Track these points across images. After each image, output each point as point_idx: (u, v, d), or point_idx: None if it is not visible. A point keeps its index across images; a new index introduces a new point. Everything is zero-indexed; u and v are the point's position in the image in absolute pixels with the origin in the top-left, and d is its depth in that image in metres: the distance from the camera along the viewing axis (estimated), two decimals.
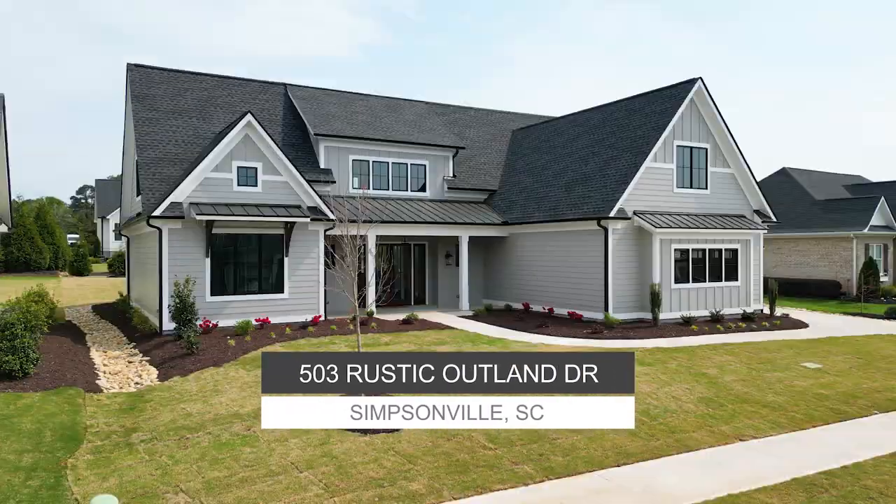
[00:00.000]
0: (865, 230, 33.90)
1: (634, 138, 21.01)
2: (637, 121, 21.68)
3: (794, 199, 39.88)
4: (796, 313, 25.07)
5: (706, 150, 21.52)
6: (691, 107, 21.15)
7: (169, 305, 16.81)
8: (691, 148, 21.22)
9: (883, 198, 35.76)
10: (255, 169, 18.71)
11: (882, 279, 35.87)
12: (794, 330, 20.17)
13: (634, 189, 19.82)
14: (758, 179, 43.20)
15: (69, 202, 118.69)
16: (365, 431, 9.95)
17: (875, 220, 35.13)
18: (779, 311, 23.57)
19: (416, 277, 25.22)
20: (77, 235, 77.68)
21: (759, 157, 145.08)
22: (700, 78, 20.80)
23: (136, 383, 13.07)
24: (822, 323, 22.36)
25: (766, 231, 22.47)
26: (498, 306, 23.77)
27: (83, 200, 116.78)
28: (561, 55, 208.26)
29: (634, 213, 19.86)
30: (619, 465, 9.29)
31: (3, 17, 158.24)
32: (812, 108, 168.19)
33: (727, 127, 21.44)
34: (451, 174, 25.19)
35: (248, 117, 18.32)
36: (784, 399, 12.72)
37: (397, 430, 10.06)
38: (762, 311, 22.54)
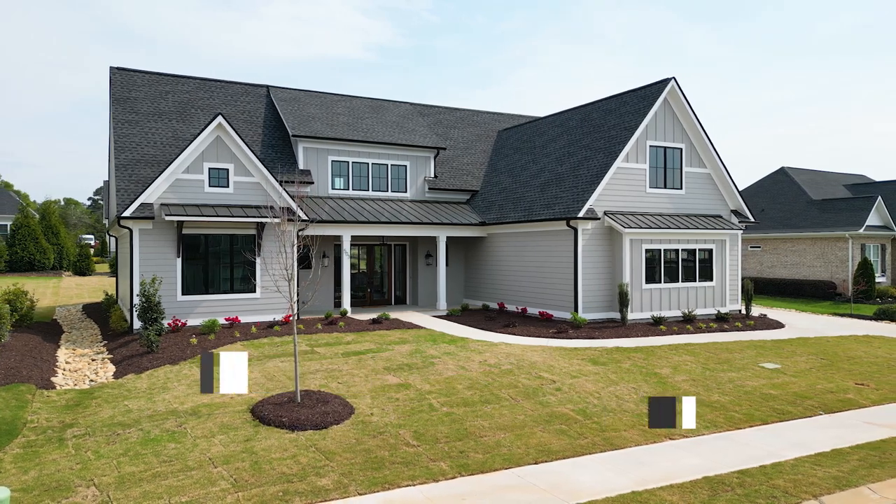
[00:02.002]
0: (861, 230, 33.55)
1: (608, 139, 21.02)
2: (612, 121, 21.69)
3: (791, 199, 39.58)
4: (782, 314, 24.92)
5: (681, 150, 21.46)
6: (665, 107, 21.11)
7: (135, 304, 17.13)
8: (665, 148, 21.18)
9: (880, 197, 35.35)
10: (227, 170, 18.99)
11: (879, 280, 35.48)
12: (767, 330, 20.06)
13: (605, 189, 19.84)
14: (757, 179, 43.32)
15: (88, 203, 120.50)
16: (293, 428, 10.15)
17: (871, 219, 34.75)
18: (757, 312, 23.45)
19: (396, 277, 25.39)
20: (92, 236, 78.79)
21: (768, 156, 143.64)
22: (673, 78, 20.75)
23: (91, 380, 13.36)
24: (801, 324, 22.19)
25: (742, 231, 22.36)
26: (475, 306, 23.90)
27: (100, 202, 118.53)
28: (573, 54, 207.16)
29: (605, 213, 19.88)
30: (537, 463, 9.38)
31: (28, 22, 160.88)
32: (821, 107, 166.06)
33: (702, 127, 21.37)
34: (433, 175, 25.33)
35: (219, 119, 18.59)
36: (729, 399, 12.71)
37: (325, 427, 10.25)
38: (740, 311, 22.44)
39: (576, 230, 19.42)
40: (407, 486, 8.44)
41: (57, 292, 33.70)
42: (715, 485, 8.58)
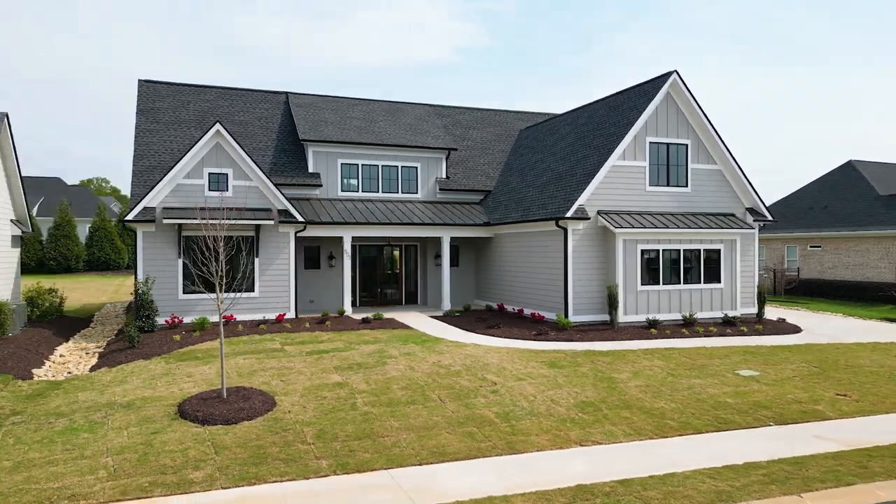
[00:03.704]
0: None
1: (606, 136, 20.47)
2: (613, 118, 21.09)
3: (857, 195, 36.93)
4: (817, 318, 23.33)
5: (686, 146, 20.57)
6: (668, 102, 20.31)
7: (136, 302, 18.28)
8: (668, 144, 20.36)
9: None
10: (226, 175, 19.90)
11: None
12: (775, 335, 18.92)
13: (599, 188, 19.34)
14: (821, 175, 40.60)
15: None
16: (203, 422, 10.62)
17: None
18: (776, 315, 22.12)
19: (407, 277, 25.69)
20: None
21: (835, 151, 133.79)
22: (675, 71, 19.93)
23: (68, 373, 14.42)
24: (824, 329, 20.73)
25: (754, 230, 21.13)
26: (479, 306, 23.86)
27: None
28: (667, 49, 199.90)
29: (599, 212, 19.37)
30: (420, 465, 9.39)
31: (146, 35, 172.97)
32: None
33: (710, 122, 20.40)
34: (444, 175, 25.45)
35: (217, 126, 19.52)
36: (674, 406, 12.18)
37: (236, 423, 10.67)
38: (755, 314, 21.23)
39: (565, 230, 19.04)
40: (274, 482, 8.69)
41: (117, 290, 36.22)
42: (581, 493, 8.33)
